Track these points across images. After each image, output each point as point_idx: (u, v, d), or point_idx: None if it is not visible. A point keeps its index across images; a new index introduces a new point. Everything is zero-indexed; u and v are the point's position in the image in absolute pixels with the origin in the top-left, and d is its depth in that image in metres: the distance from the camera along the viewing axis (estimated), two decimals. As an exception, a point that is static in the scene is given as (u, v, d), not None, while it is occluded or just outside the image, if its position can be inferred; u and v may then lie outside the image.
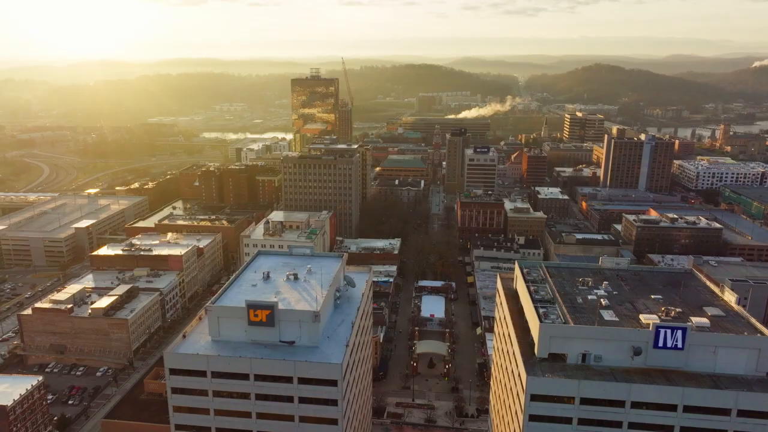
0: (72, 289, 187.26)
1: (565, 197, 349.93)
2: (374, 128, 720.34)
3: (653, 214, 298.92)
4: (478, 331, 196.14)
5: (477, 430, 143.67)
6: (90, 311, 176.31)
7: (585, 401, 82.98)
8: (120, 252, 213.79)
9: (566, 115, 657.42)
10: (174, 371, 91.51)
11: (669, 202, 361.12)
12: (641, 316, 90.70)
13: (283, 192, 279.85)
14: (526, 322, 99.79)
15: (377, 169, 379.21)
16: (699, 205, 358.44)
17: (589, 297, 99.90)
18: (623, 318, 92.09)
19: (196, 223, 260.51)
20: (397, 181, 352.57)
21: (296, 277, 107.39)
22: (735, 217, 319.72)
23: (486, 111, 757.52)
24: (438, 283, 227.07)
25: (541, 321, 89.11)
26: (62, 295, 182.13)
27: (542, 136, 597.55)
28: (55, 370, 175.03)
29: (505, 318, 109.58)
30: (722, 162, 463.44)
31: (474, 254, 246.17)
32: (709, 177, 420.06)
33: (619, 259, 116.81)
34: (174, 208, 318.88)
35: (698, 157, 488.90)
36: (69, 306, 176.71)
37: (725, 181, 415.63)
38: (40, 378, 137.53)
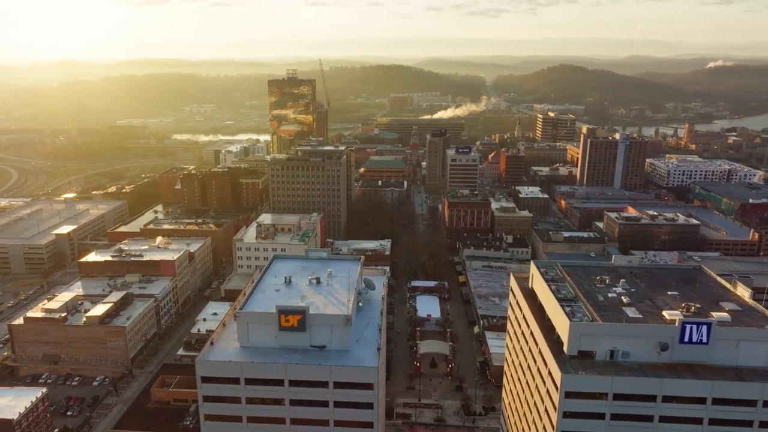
0: (64, 297, 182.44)
1: (546, 196, 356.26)
2: (348, 129, 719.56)
3: (631, 212, 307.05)
4: (476, 329, 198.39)
5: (488, 428, 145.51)
6: (85, 319, 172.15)
7: (618, 397, 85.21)
8: (109, 258, 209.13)
9: (539, 116, 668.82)
10: (206, 379, 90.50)
11: (644, 199, 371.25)
12: (664, 313, 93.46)
13: (270, 194, 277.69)
14: (548, 320, 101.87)
15: (361, 170, 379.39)
16: (672, 202, 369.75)
17: (609, 295, 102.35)
18: (646, 314, 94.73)
19: (183, 227, 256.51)
20: (380, 182, 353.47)
21: (319, 281, 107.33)
22: (708, 213, 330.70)
23: (461, 111, 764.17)
24: (431, 283, 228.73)
25: (570, 319, 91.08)
26: (54, 303, 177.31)
27: (516, 136, 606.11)
28: (49, 381, 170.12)
29: (524, 317, 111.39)
30: (690, 160, 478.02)
31: (464, 254, 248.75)
32: (679, 174, 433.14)
33: (631, 257, 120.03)
34: (156, 212, 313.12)
35: (667, 156, 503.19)
36: (63, 315, 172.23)
37: (694, 178, 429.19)
38: (44, 390, 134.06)
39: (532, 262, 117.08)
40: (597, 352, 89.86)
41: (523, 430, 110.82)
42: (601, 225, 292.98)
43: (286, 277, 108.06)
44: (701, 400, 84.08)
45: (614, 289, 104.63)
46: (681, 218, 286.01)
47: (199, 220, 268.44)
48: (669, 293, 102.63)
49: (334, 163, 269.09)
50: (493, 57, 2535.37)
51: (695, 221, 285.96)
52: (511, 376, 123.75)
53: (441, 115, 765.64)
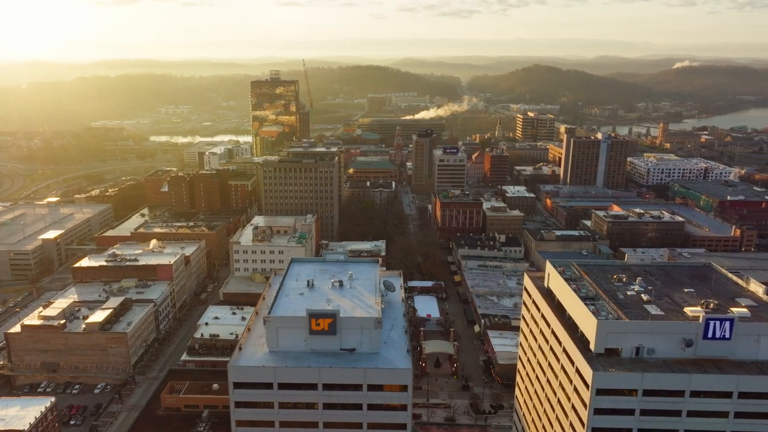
0: (61, 303, 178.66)
1: (532, 195, 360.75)
2: (328, 130, 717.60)
3: (617, 210, 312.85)
4: (476, 328, 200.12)
5: (499, 426, 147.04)
6: (84, 326, 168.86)
7: (647, 393, 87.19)
8: (104, 263, 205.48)
9: (518, 116, 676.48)
10: (238, 385, 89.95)
11: (626, 197, 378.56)
12: (686, 309, 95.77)
13: (263, 196, 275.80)
14: (569, 318, 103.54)
15: (350, 171, 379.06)
16: (654, 200, 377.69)
17: (628, 293, 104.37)
18: (667, 312, 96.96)
19: (174, 231, 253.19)
20: (368, 183, 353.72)
21: (342, 284, 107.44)
22: (690, 210, 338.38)
23: (444, 111, 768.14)
24: (428, 283, 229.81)
25: (597, 318, 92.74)
26: (51, 310, 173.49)
27: (496, 135, 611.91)
28: (48, 390, 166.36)
29: (543, 316, 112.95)
30: (668, 159, 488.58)
31: (459, 253, 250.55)
32: (658, 173, 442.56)
33: (643, 255, 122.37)
34: (142, 215, 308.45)
35: (645, 155, 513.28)
36: (61, 322, 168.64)
37: (673, 176, 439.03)
38: (53, 399, 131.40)
39: (548, 262, 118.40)
40: (623, 350, 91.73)
41: (543, 427, 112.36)
42: (588, 223, 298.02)
43: (308, 281, 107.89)
44: (727, 395, 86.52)
45: (632, 287, 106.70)
46: (667, 216, 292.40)
47: (191, 224, 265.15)
48: (685, 290, 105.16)
49: (326, 165, 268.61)
50: (466, 57, 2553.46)
51: (680, 218, 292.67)
52: (527, 374, 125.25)
53: (423, 115, 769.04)
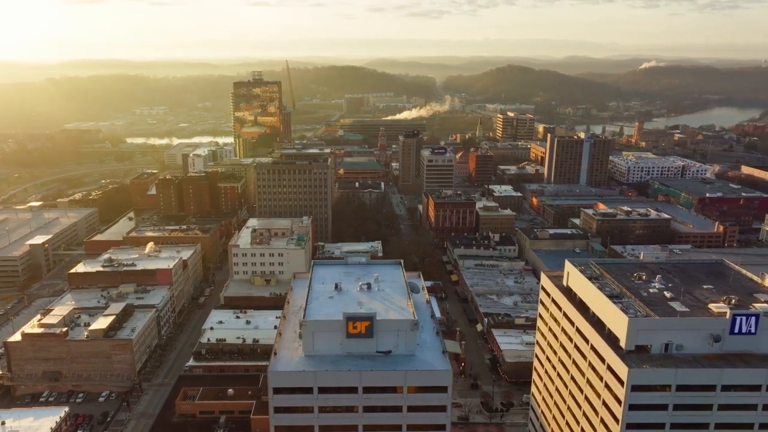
0: (61, 311, 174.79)
1: (519, 194, 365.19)
2: (307, 130, 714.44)
3: (603, 208, 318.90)
4: (479, 327, 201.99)
5: (513, 423, 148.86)
6: (87, 333, 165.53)
7: (680, 388, 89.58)
8: (100, 268, 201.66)
9: (498, 116, 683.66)
10: (278, 390, 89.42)
11: (609, 195, 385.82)
12: (711, 306, 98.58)
13: (256, 199, 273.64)
14: (593, 316, 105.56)
15: (340, 171, 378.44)
16: (636, 198, 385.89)
17: (650, 290, 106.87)
18: (692, 308, 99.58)
19: (167, 234, 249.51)
20: (357, 184, 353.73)
21: (369, 287, 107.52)
22: (672, 207, 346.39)
23: (425, 111, 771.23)
24: (427, 283, 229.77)
25: (627, 315, 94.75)
26: (52, 318, 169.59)
27: (477, 135, 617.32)
28: (51, 399, 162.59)
29: (565, 314, 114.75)
30: (646, 157, 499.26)
31: (456, 253, 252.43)
32: (638, 171, 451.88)
33: (658, 253, 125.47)
34: (130, 219, 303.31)
35: (623, 153, 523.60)
36: (63, 329, 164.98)
37: (652, 174, 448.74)
38: (66, 409, 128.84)
39: (567, 261, 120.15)
40: (652, 346, 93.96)
41: (567, 424, 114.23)
42: (577, 221, 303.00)
43: (335, 284, 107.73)
44: (756, 388, 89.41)
45: (653, 284, 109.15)
46: (653, 213, 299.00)
47: (183, 227, 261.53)
48: (704, 287, 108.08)
49: (320, 166, 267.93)
50: (439, 57, 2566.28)
51: (666, 215, 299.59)
52: (546, 372, 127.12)
53: (406, 115, 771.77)
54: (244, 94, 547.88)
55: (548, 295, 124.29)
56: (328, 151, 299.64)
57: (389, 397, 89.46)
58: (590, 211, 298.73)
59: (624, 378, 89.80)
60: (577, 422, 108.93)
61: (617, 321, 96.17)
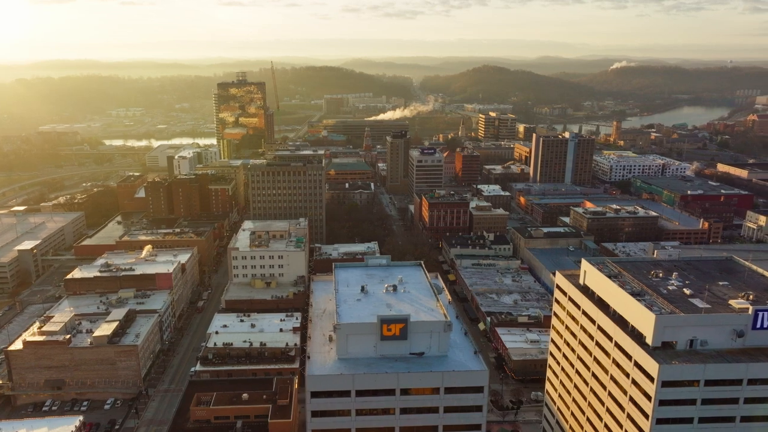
0: (61, 317, 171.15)
1: (507, 194, 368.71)
2: (290, 131, 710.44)
3: (590, 206, 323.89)
4: (481, 326, 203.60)
5: (525, 420, 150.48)
6: (91, 340, 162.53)
7: (708, 383, 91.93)
8: (98, 274, 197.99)
9: (480, 116, 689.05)
10: (315, 394, 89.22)
11: (594, 194, 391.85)
12: (732, 302, 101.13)
13: (250, 201, 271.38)
14: (614, 314, 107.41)
15: (331, 172, 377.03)
16: (620, 196, 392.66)
17: (669, 287, 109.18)
18: (713, 304, 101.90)
19: (160, 238, 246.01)
20: (347, 185, 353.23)
21: (395, 289, 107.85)
22: (657, 205, 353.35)
23: (409, 112, 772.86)
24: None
25: (653, 312, 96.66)
26: (53, 325, 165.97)
27: (460, 135, 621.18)
28: (54, 408, 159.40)
29: (585, 313, 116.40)
30: (627, 156, 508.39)
31: (452, 252, 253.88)
32: (620, 170, 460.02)
33: (672, 251, 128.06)
34: (119, 222, 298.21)
35: (604, 152, 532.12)
36: (66, 336, 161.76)
37: (634, 173, 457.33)
38: (81, 418, 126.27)
39: (583, 260, 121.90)
40: (678, 342, 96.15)
41: (588, 420, 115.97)
42: (566, 220, 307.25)
43: (362, 287, 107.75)
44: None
45: (670, 281, 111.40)
46: (641, 211, 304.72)
47: (177, 230, 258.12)
48: (720, 283, 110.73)
49: (315, 168, 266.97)
50: (414, 58, 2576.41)
51: (654, 213, 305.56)
52: (562, 369, 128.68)
53: (390, 115, 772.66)
54: (227, 95, 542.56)
55: (564, 293, 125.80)
56: (321, 152, 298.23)
57: (426, 398, 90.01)
58: (580, 210, 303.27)
59: (654, 374, 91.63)
60: (600, 419, 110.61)
61: (642, 318, 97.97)
